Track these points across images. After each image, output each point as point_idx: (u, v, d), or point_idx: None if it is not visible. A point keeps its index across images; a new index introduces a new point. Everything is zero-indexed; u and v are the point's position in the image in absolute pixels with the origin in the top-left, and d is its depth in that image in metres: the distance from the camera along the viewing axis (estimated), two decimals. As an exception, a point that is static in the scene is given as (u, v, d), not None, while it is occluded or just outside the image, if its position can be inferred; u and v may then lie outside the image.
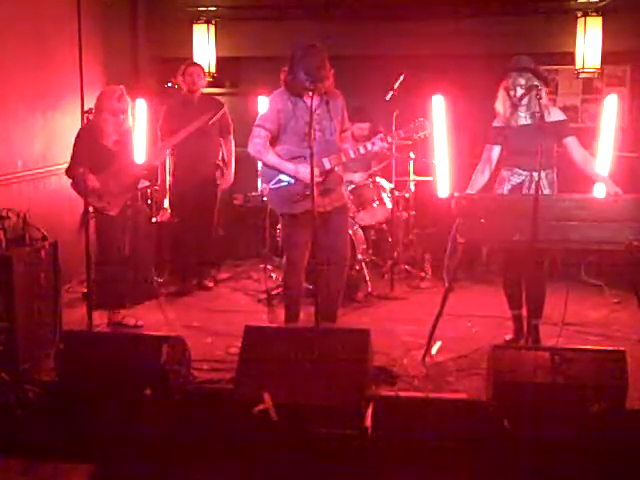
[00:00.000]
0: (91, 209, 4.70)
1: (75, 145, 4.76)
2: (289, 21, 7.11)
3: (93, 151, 4.66)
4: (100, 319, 4.83)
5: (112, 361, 3.86)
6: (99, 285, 4.79)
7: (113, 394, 3.74)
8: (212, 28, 7.16)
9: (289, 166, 4.39)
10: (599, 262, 5.82)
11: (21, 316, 4.14)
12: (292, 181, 4.43)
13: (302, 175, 4.33)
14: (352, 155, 4.43)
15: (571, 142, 4.40)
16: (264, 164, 4.48)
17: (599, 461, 3.42)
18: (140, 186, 4.98)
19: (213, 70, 7.22)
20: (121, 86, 4.92)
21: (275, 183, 4.45)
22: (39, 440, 3.63)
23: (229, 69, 7.63)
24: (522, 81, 4.33)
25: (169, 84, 7.18)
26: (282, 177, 4.44)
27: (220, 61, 7.24)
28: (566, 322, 4.23)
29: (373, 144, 4.41)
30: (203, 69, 6.03)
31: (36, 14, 5.38)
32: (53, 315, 4.46)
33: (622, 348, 3.74)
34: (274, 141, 4.47)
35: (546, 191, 4.34)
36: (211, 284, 6.13)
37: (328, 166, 4.40)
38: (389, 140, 4.41)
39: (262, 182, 4.49)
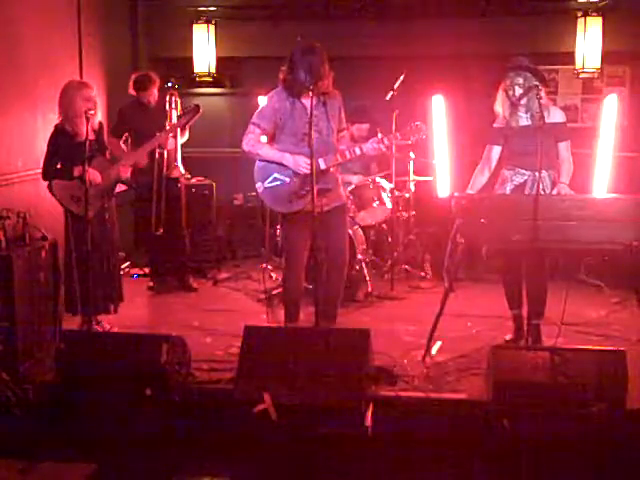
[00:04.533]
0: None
1: (52, 145, 4.72)
2: (289, 21, 7.12)
3: (70, 151, 4.64)
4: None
5: (112, 361, 3.86)
6: (72, 288, 4.68)
7: (113, 394, 3.74)
8: (212, 28, 7.17)
9: (288, 157, 4.37)
10: (599, 262, 5.82)
11: (21, 316, 4.14)
12: (287, 180, 4.42)
13: (302, 165, 4.31)
14: (348, 156, 4.43)
15: (563, 147, 4.41)
16: (260, 159, 4.46)
17: (599, 461, 3.42)
18: (117, 190, 4.93)
19: (213, 70, 7.23)
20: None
21: (271, 182, 4.45)
22: (39, 440, 3.63)
23: (229, 69, 7.64)
24: (520, 80, 4.32)
25: (169, 84, 7.20)
26: (277, 176, 4.43)
27: (220, 61, 7.25)
28: (566, 322, 4.23)
29: (369, 147, 4.40)
30: (157, 84, 5.81)
31: (36, 14, 5.37)
32: (53, 315, 4.46)
33: (622, 348, 3.74)
34: (270, 141, 4.47)
35: (548, 191, 4.35)
36: (196, 285, 6.09)
37: (323, 166, 4.39)
38: (385, 142, 4.40)
39: (256, 180, 4.48)
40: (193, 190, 6.61)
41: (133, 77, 5.85)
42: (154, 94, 5.78)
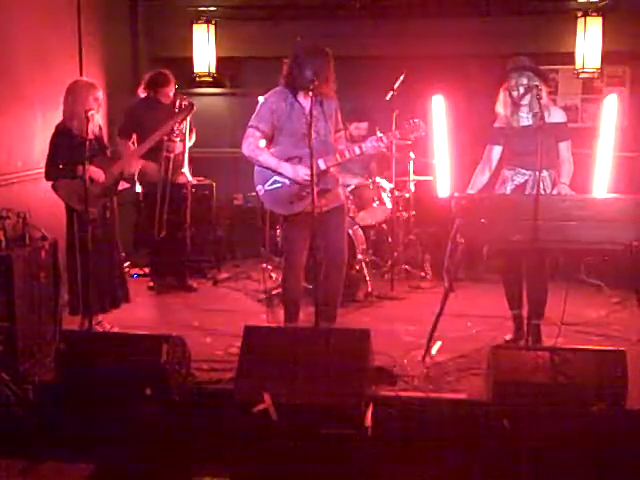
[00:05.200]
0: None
1: (54, 145, 4.72)
2: (289, 21, 7.12)
3: (73, 151, 4.63)
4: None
5: (112, 361, 3.86)
6: (77, 289, 4.71)
7: (113, 394, 3.74)
8: (212, 28, 7.17)
9: (287, 167, 4.37)
10: (599, 262, 5.82)
11: (21, 316, 4.13)
12: (288, 182, 4.41)
13: (302, 176, 4.32)
14: (347, 155, 4.42)
15: (563, 147, 4.42)
16: (259, 164, 4.47)
17: (599, 461, 3.42)
18: (120, 188, 4.93)
19: (213, 70, 7.23)
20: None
21: (271, 184, 4.44)
22: (39, 440, 3.63)
23: (229, 69, 7.64)
24: (524, 81, 4.32)
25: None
26: (277, 178, 4.43)
27: (220, 61, 7.25)
28: (566, 322, 4.24)
29: (368, 145, 4.40)
30: (173, 82, 5.83)
31: (36, 14, 5.37)
32: (53, 315, 4.46)
33: (622, 348, 3.75)
34: (269, 142, 4.46)
35: (549, 191, 4.35)
36: (195, 285, 6.09)
37: (323, 167, 4.39)
38: (384, 141, 4.40)
39: (257, 183, 4.48)
40: (193, 190, 6.59)
41: (147, 77, 5.84)
42: (172, 90, 5.79)
